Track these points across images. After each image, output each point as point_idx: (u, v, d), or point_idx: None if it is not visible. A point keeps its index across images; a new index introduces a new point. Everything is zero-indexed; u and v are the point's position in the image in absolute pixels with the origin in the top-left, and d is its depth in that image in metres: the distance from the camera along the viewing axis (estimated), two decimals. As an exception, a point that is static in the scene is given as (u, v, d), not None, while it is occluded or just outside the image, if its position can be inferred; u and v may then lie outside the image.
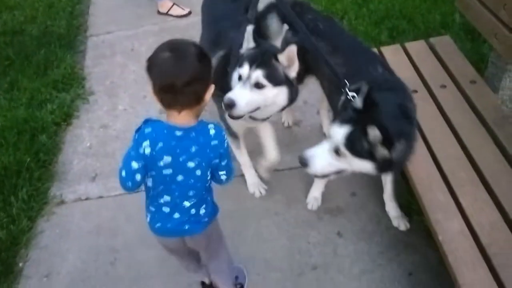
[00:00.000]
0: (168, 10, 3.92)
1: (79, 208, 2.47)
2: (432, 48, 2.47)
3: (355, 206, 2.30)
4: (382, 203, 2.22)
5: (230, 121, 2.13)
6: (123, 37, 3.76)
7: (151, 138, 1.40)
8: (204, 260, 1.84)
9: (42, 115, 2.93)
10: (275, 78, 1.82)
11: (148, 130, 1.41)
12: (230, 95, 1.83)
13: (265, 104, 1.86)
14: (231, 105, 1.81)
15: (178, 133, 1.40)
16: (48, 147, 2.76)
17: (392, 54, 2.48)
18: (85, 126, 2.97)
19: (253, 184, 2.42)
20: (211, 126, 1.46)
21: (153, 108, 3.00)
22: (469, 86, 2.21)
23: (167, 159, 1.42)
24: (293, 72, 1.84)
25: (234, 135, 2.27)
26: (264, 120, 2.07)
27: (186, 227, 1.56)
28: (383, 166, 1.59)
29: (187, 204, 1.52)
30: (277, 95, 1.85)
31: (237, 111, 1.82)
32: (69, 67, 3.36)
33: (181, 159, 1.43)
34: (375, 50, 2.51)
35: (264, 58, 1.81)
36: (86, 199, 2.51)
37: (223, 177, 1.55)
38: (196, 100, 1.39)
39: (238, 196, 2.43)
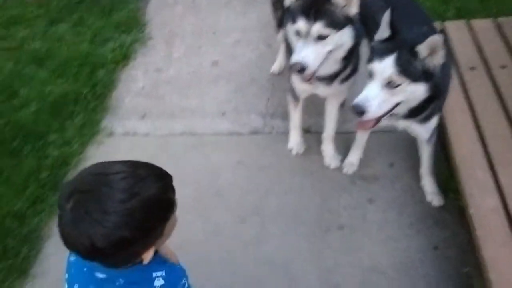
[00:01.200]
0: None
1: (127, 142, 2.61)
2: (499, 28, 2.36)
3: (391, 176, 2.29)
4: (418, 177, 2.20)
5: (296, 84, 2.13)
6: (186, -11, 3.82)
7: (69, 272, 1.10)
8: None
9: (103, 52, 3.08)
10: (336, 23, 1.73)
11: (71, 259, 1.11)
12: (296, 58, 1.76)
13: (332, 49, 1.79)
14: (302, 69, 1.76)
15: (100, 275, 1.03)
16: (105, 82, 2.91)
17: (456, 30, 2.41)
18: (141, 68, 3.10)
19: (295, 142, 2.46)
20: (158, 274, 1.03)
21: (206, 60, 3.09)
22: (532, 70, 2.11)
23: None
24: (353, 9, 1.74)
25: (295, 97, 2.27)
26: (329, 81, 2.00)
27: None
28: (433, 86, 1.60)
29: None
30: (341, 37, 1.76)
31: (309, 72, 1.77)
32: (132, 11, 3.47)
33: None
34: (437, 24, 2.43)
35: (318, 6, 1.71)
36: (134, 134, 2.66)
37: None
38: (120, 263, 1.00)
39: (277, 152, 2.48)
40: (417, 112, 1.75)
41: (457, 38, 2.33)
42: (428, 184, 2.15)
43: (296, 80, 2.09)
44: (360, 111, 1.64)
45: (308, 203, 2.21)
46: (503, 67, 2.15)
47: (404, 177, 2.28)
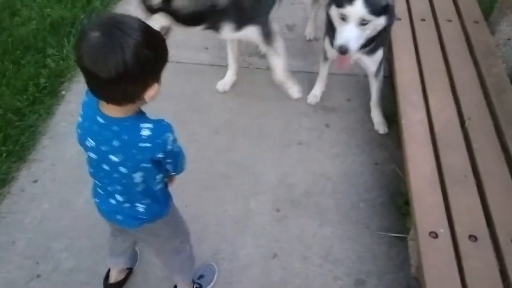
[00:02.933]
0: None
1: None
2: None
3: (347, 108, 2.67)
4: (370, 111, 2.58)
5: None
6: None
7: (83, 110, 1.28)
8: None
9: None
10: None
11: (85, 99, 1.27)
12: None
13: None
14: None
15: (100, 120, 1.22)
16: (100, 11, 3.18)
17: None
18: (133, 4, 3.33)
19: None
20: (146, 126, 1.21)
21: None
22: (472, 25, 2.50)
23: (91, 142, 1.26)
24: None
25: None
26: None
27: (119, 218, 1.42)
28: (389, 18, 2.00)
29: (118, 197, 1.36)
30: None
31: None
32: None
33: (103, 149, 1.25)
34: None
35: None
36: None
37: (169, 167, 1.35)
38: (126, 100, 1.16)
39: (251, 83, 2.83)
40: (366, 44, 2.12)
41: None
42: (376, 115, 2.54)
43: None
44: (344, 50, 2.00)
45: (273, 123, 2.57)
46: (449, 20, 2.53)
47: (358, 110, 2.66)
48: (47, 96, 2.59)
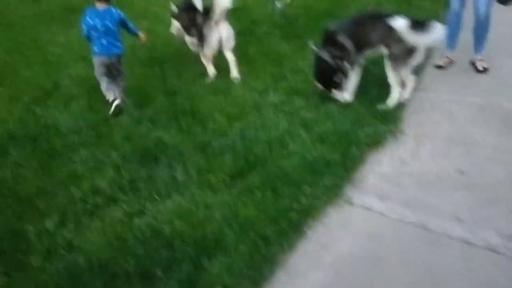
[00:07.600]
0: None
1: (361, 213, 2.91)
2: None
3: None
4: None
5: None
6: (444, 100, 4.09)
7: (89, 15, 4.23)
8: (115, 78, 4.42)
9: (360, 133, 3.56)
10: None
11: (87, 12, 4.22)
12: None
13: None
14: None
15: (100, 11, 4.23)
16: (355, 157, 3.34)
17: None
18: (387, 155, 3.43)
19: None
20: (113, 9, 4.27)
21: (452, 166, 3.22)
22: None
23: (98, 21, 4.19)
24: None
25: None
26: None
27: (113, 50, 4.32)
28: None
29: (109, 40, 4.28)
30: None
31: None
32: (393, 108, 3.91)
33: (105, 22, 4.21)
34: None
35: None
36: (369, 209, 2.94)
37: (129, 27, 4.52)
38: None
39: None
40: None
41: None
42: None
43: None
44: None
45: None
46: None
47: None
48: (291, 229, 2.75)
